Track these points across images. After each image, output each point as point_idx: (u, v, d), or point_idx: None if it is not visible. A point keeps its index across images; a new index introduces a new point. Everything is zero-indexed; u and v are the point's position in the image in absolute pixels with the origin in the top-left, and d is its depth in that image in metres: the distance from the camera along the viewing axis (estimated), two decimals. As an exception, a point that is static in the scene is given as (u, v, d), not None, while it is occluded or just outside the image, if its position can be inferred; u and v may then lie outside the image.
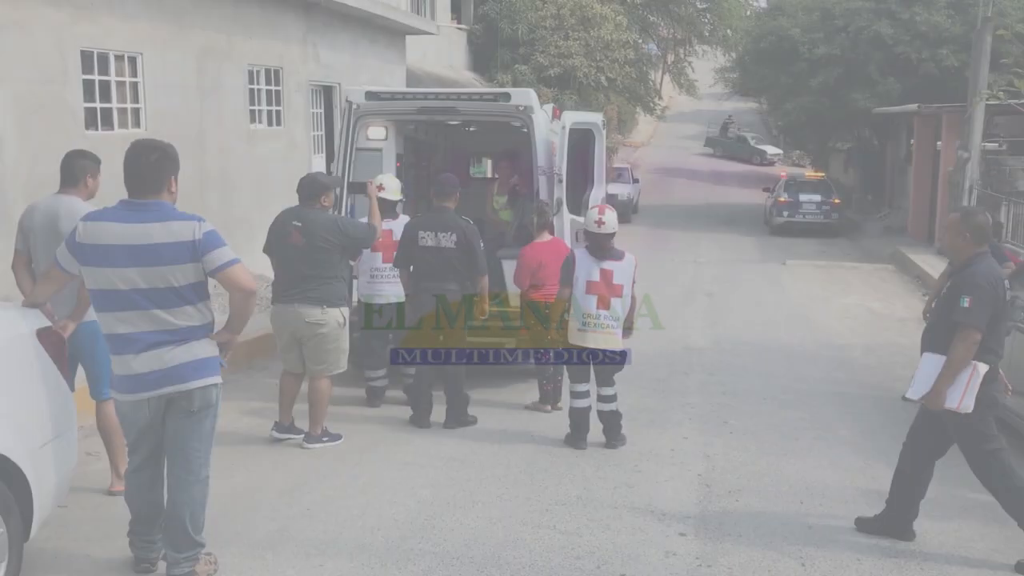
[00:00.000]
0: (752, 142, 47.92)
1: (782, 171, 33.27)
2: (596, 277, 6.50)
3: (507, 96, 8.25)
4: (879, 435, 7.53)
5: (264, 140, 12.75)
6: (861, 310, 14.55)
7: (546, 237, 7.68)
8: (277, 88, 13.25)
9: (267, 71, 12.92)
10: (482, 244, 7.39)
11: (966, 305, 4.81)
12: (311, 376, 6.70)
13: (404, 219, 7.81)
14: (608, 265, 6.53)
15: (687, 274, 18.20)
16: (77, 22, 9.09)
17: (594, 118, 9.03)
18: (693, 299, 15.28)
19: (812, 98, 26.53)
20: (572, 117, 8.45)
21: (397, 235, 7.51)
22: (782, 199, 25.21)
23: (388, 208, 7.64)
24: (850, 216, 27.54)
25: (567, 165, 8.26)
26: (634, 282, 6.68)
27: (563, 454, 6.78)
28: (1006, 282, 5.00)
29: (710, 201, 34.00)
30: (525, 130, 8.31)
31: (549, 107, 8.85)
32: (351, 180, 8.17)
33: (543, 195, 8.26)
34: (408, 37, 19.03)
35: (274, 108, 13.17)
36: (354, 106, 8.47)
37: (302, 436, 6.74)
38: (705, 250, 22.23)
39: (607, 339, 6.59)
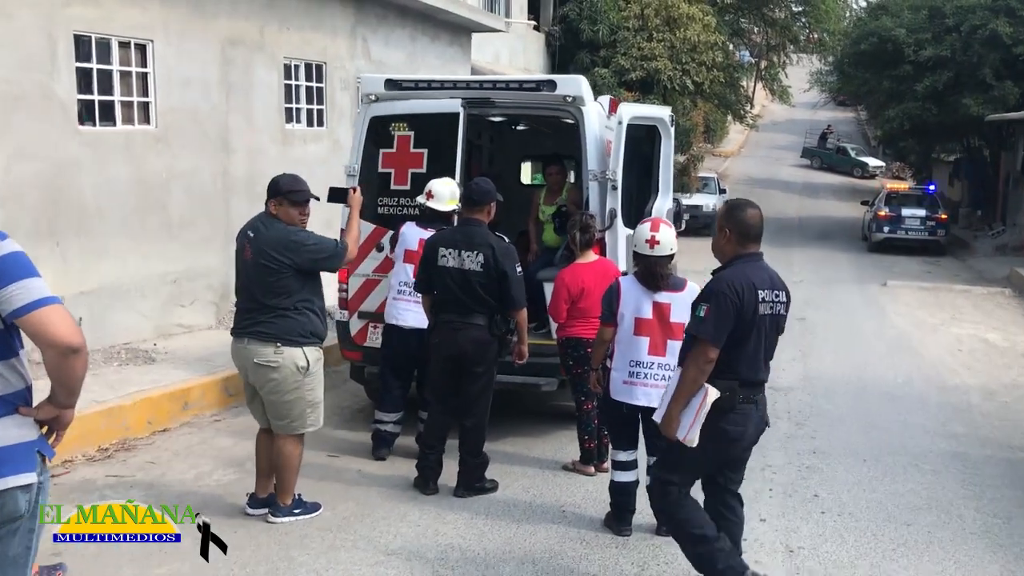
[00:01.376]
0: (853, 153, 45.23)
1: (886, 183, 30.94)
2: (647, 313, 5.01)
3: (552, 84, 6.81)
4: (1018, 521, 5.84)
5: (302, 141, 11.56)
6: (975, 342, 12.68)
7: (591, 257, 6.22)
8: (319, 85, 12.05)
9: (307, 66, 11.74)
10: (520, 269, 5.93)
11: (702, 315, 4.14)
12: (275, 434, 5.35)
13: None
14: (664, 298, 5.03)
15: (775, 295, 16.40)
16: (70, 3, 7.99)
17: (660, 113, 7.50)
18: (781, 325, 13.54)
19: (917, 104, 24.34)
20: (632, 111, 6.96)
21: None
22: (883, 213, 23.15)
23: (440, 221, 6.49)
24: (957, 233, 25.23)
25: (625, 169, 6.79)
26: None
27: (600, 543, 5.29)
28: (770, 292, 4.16)
29: (803, 214, 31.94)
30: (575, 125, 6.89)
31: (606, 99, 7.39)
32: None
33: (593, 206, 6.80)
34: (477, 36, 17.73)
35: (315, 107, 11.98)
36: (371, 98, 7.16)
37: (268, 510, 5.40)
38: (797, 267, 20.37)
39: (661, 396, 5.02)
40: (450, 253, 5.70)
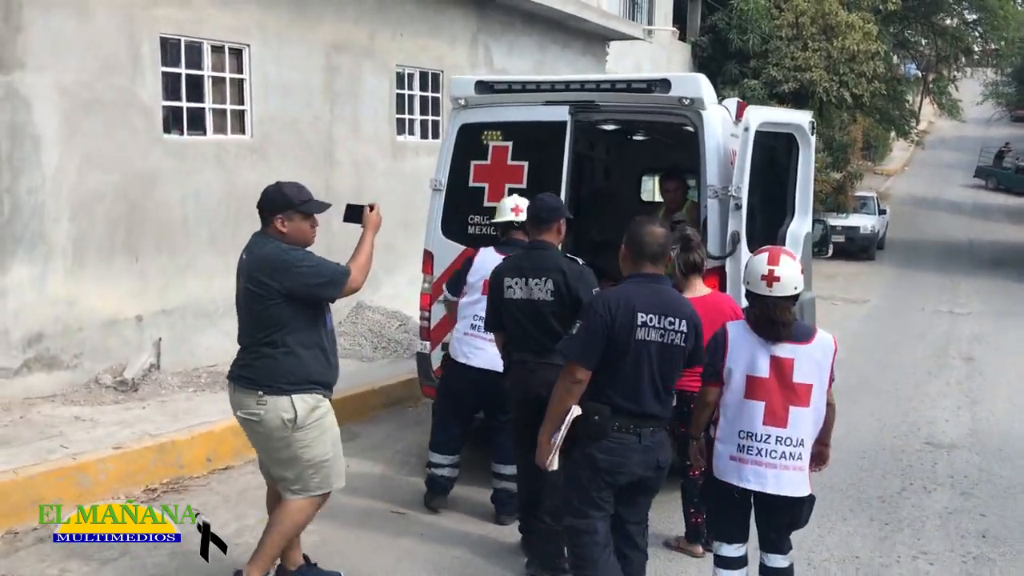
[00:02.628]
0: None
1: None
2: (763, 371, 3.89)
3: (665, 84, 5.79)
4: None
5: (415, 154, 10.89)
6: None
7: (699, 289, 5.12)
8: (435, 95, 11.37)
9: (422, 75, 11.08)
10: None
11: (573, 332, 3.94)
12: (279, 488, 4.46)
13: None
14: (785, 351, 3.89)
15: (939, 328, 14.71)
16: (156, 4, 7.53)
17: (797, 118, 6.33)
18: (945, 364, 11.95)
19: (1111, 117, 21.70)
20: (762, 115, 5.86)
21: None
22: (1067, 239, 20.67)
23: (517, 245, 5.47)
24: None
25: (754, 184, 5.71)
26: (832, 380, 4.01)
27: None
28: (658, 317, 3.88)
29: (972, 238, 29.35)
30: (693, 132, 5.86)
31: (733, 102, 6.31)
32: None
33: (713, 228, 5.74)
34: (616, 45, 16.78)
35: (430, 118, 11.30)
36: (461, 103, 6.33)
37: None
38: (964, 298, 18.41)
39: (781, 478, 3.91)
40: (516, 283, 4.78)
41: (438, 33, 11.20)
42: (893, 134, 37.07)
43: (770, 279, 3.84)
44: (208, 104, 8.26)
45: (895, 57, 30.51)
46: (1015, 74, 29.32)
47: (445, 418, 5.80)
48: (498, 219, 5.68)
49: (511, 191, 6.20)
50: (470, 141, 6.33)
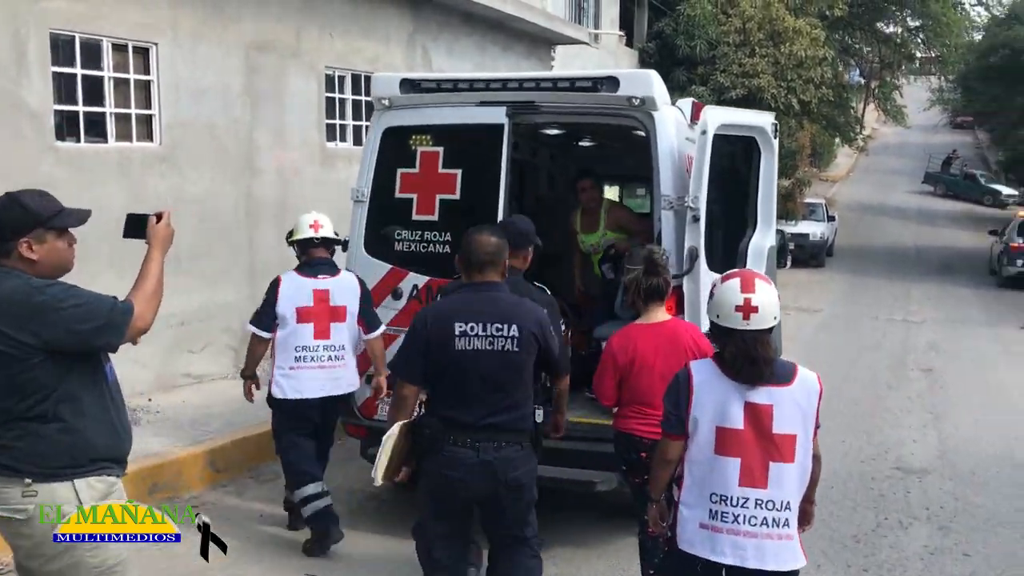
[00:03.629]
0: (983, 180, 41.60)
1: (1019, 211, 27.99)
2: (737, 421, 3.19)
3: (613, 83, 5.15)
4: None
5: (347, 162, 10.13)
6: None
7: (658, 315, 4.48)
8: (369, 99, 10.61)
9: (355, 77, 10.35)
10: (562, 324, 4.58)
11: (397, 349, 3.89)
12: None
13: (349, 275, 5.43)
14: (761, 396, 3.20)
15: (895, 338, 14.36)
16: (44, -5, 6.73)
17: (759, 120, 5.72)
18: (904, 376, 11.55)
19: (1056, 123, 21.72)
20: (721, 117, 5.24)
21: (336, 298, 5.27)
22: (1016, 245, 20.60)
23: (328, 266, 5.35)
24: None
25: (712, 194, 5.10)
26: (817, 427, 3.35)
27: None
28: (481, 324, 3.71)
29: (919, 244, 29.33)
30: (644, 136, 5.24)
31: (687, 103, 5.72)
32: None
33: (667, 242, 5.11)
34: (562, 50, 16.19)
35: (364, 123, 10.56)
36: (384, 103, 5.64)
37: None
38: (916, 305, 18.18)
39: (764, 550, 3.20)
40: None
41: (371, 33, 10.49)
42: (838, 140, 37.10)
43: (747, 310, 3.18)
44: (109, 108, 7.45)
45: (840, 64, 30.43)
46: (960, 80, 29.31)
47: (294, 455, 5.36)
48: (296, 237, 5.36)
49: (444, 203, 5.54)
50: (396, 146, 5.64)
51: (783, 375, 3.23)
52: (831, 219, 25.90)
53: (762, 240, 5.64)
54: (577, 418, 5.40)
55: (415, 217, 5.56)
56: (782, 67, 24.17)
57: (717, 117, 5.14)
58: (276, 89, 9.10)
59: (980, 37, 29.84)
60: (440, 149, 5.52)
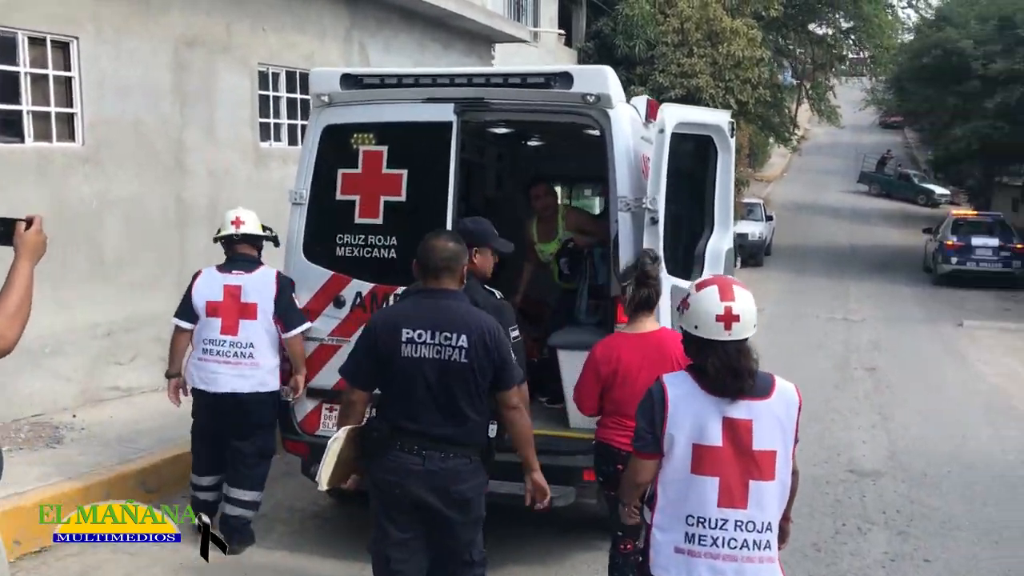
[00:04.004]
0: (916, 180, 42.39)
1: (951, 210, 28.53)
2: (715, 438, 2.95)
3: (567, 79, 4.90)
4: None
5: (282, 163, 9.74)
6: (1089, 401, 10.61)
7: (647, 325, 4.25)
8: (305, 97, 10.23)
9: (289, 74, 9.96)
10: (517, 333, 4.32)
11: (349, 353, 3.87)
12: None
13: (267, 271, 5.30)
14: (740, 411, 2.97)
15: (837, 337, 14.41)
16: (-49, -17, 6.26)
17: (716, 118, 5.52)
18: (850, 376, 11.56)
19: (986, 122, 22.17)
20: (678, 115, 5.03)
21: (248, 295, 5.19)
22: (950, 243, 20.94)
23: (247, 262, 5.33)
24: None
25: (668, 194, 4.88)
26: (795, 441, 3.13)
27: None
28: (430, 333, 3.59)
29: (855, 242, 29.73)
30: (599, 135, 5.01)
31: (642, 100, 5.51)
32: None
33: (625, 247, 4.88)
34: (500, 47, 15.94)
35: (299, 122, 10.17)
36: (324, 100, 5.32)
37: None
38: (856, 303, 18.34)
39: (745, 573, 2.98)
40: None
41: (306, 28, 10.11)
42: (772, 141, 37.51)
43: (728, 319, 2.95)
44: (26, 106, 6.98)
45: (775, 64, 30.75)
46: (893, 81, 29.79)
47: (198, 443, 5.46)
48: (219, 233, 5.40)
49: (388, 205, 5.24)
50: (337, 146, 5.32)
51: (762, 388, 3.01)
52: (769, 219, 26.11)
53: (720, 242, 5.45)
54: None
55: (358, 220, 5.24)
56: (720, 67, 24.28)
57: (675, 115, 4.92)
58: (207, 86, 8.68)
59: (910, 38, 30.35)
60: (384, 148, 5.21)
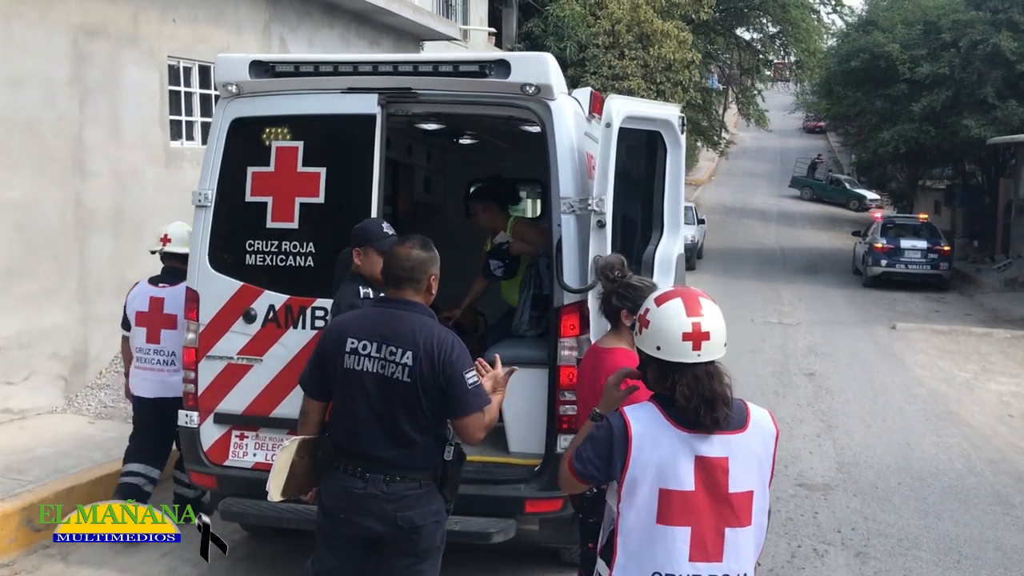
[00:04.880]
0: (848, 185, 42.82)
1: (874, 213, 28.82)
2: (687, 482, 2.49)
3: (503, 67, 4.42)
4: None
5: (194, 163, 9.04)
6: (1022, 401, 10.51)
7: (618, 338, 3.72)
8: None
9: (203, 68, 9.31)
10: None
11: None
12: None
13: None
14: (714, 448, 2.52)
15: (774, 341, 14.19)
16: None
17: (665, 112, 5.08)
18: (790, 382, 11.31)
19: (913, 126, 22.33)
20: (626, 108, 4.57)
21: (169, 307, 5.38)
22: (879, 245, 21.01)
23: (177, 276, 5.35)
24: (957, 266, 23.20)
25: (617, 194, 4.44)
26: (772, 475, 2.69)
27: None
28: (375, 344, 3.26)
29: (783, 244, 29.87)
30: (539, 131, 4.54)
31: (586, 92, 5.06)
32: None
33: (569, 253, 4.43)
34: (429, 45, 15.40)
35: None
36: (232, 90, 4.75)
37: None
38: (789, 307, 18.21)
39: None
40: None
41: (221, 20, 9.46)
42: (700, 144, 37.74)
43: (697, 337, 2.51)
44: None
45: (704, 68, 30.82)
46: (823, 84, 30.04)
47: (131, 439, 5.58)
48: (151, 247, 5.67)
49: (305, 207, 4.70)
50: (247, 141, 4.76)
51: (737, 419, 2.57)
52: (701, 222, 26.03)
53: (669, 247, 5.02)
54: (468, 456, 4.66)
55: (270, 224, 4.69)
56: (651, 70, 24.18)
57: (622, 108, 4.47)
58: (110, 80, 8.00)
59: (835, 43, 30.68)
60: (300, 144, 4.67)
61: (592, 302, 4.39)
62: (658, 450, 2.51)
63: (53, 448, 6.42)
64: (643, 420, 2.55)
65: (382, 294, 3.57)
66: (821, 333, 15.14)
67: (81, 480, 5.80)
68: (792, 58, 34.45)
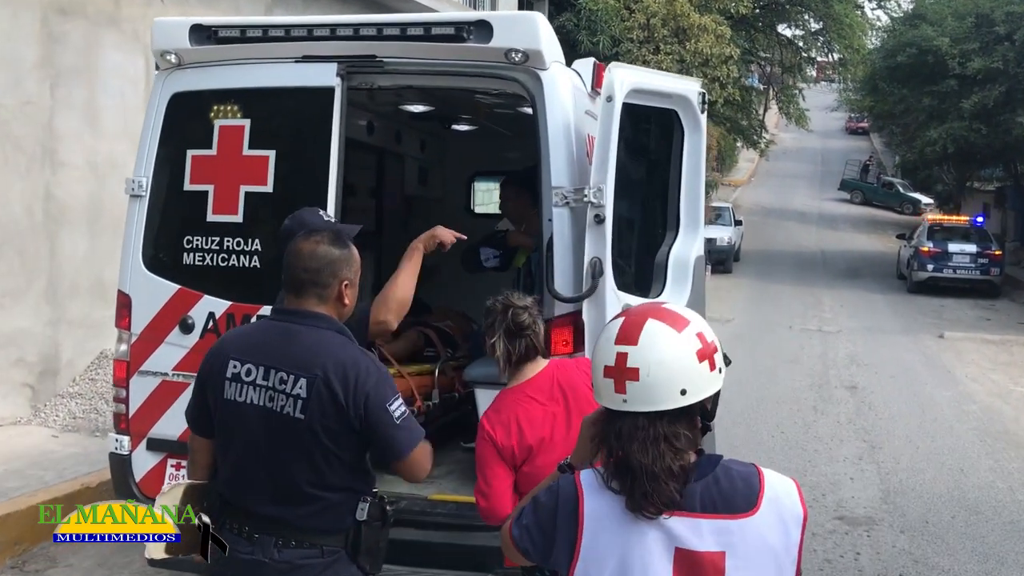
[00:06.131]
0: (901, 189, 41.28)
1: (926, 216, 27.65)
2: None
3: (484, 29, 3.67)
4: None
5: (186, 155, 8.44)
6: (1090, 421, 9.66)
7: (535, 366, 3.01)
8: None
9: (195, 53, 8.64)
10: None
11: None
12: None
13: None
14: (704, 539, 1.73)
15: (812, 351, 13.31)
16: None
17: (683, 87, 4.27)
18: (829, 396, 10.45)
19: (963, 124, 21.24)
20: (633, 80, 3.79)
21: None
22: (926, 249, 20.00)
23: None
24: (1008, 272, 22.06)
25: (619, 184, 3.67)
26: (799, 573, 1.90)
27: None
28: (260, 369, 2.52)
29: (824, 247, 28.86)
30: (529, 110, 3.80)
31: (588, 63, 4.30)
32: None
33: (561, 252, 3.67)
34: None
35: (209, 109, 8.88)
36: (171, 59, 4.05)
37: None
38: (830, 313, 17.30)
39: None
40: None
41: (217, 0, 8.80)
42: (740, 144, 36.74)
43: (619, 374, 1.75)
44: None
45: (742, 65, 29.87)
46: (867, 81, 28.89)
47: None
48: None
49: (251, 197, 3.98)
50: (187, 120, 4.07)
51: (741, 496, 1.78)
52: (738, 223, 25.15)
53: (686, 248, 4.23)
54: (437, 495, 3.93)
55: (211, 218, 3.98)
56: (687, 65, 23.29)
57: (627, 79, 3.70)
58: (86, 63, 7.39)
59: (880, 40, 29.53)
60: (246, 123, 3.96)
61: (587, 313, 3.63)
62: (621, 536, 1.74)
63: (22, 463, 5.82)
64: (599, 494, 1.78)
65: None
66: (863, 342, 14.25)
67: (20, 506, 5.14)
68: (835, 56, 33.35)
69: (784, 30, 34.11)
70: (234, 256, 3.94)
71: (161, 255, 4.05)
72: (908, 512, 6.57)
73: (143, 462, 4.09)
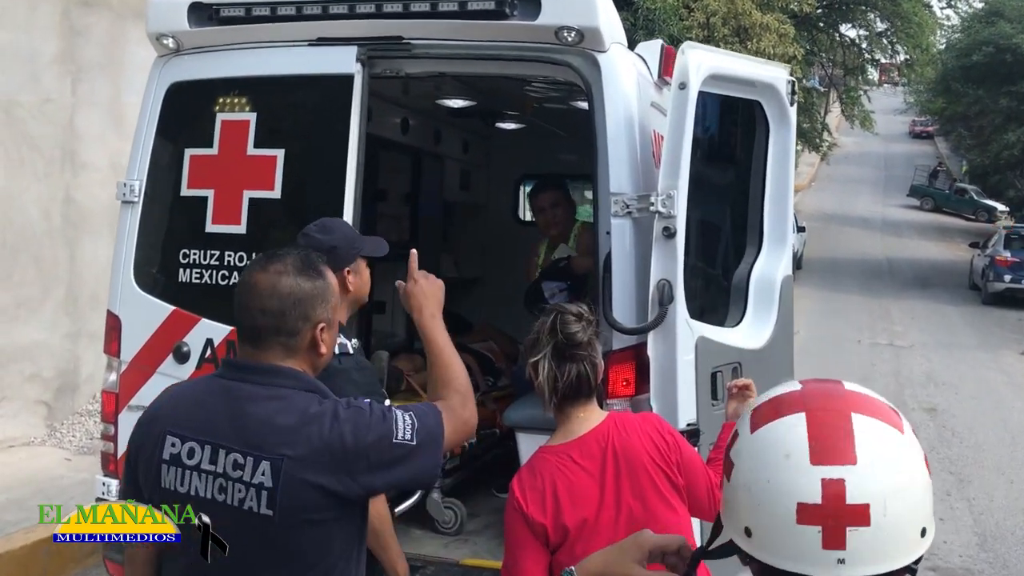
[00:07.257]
0: (975, 195, 39.65)
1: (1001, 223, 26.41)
2: None
3: (531, 3, 3.04)
4: None
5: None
6: None
7: (589, 419, 2.29)
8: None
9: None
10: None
11: None
12: None
13: None
14: None
15: (885, 367, 12.47)
16: None
17: (768, 74, 3.59)
18: (909, 422, 9.55)
19: (1045, 126, 20.14)
20: (710, 63, 3.13)
21: None
22: (1003, 258, 18.95)
23: None
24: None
25: (694, 189, 3.02)
26: None
27: None
28: (205, 448, 1.86)
29: (889, 255, 27.75)
30: (584, 104, 3.17)
31: (655, 46, 3.66)
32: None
33: (621, 271, 3.03)
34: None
35: (244, 108, 8.41)
36: (169, 44, 3.51)
37: None
38: (900, 326, 16.37)
39: None
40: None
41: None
42: (801, 147, 35.71)
43: (838, 518, 1.12)
44: None
45: (805, 66, 28.95)
46: (939, 82, 27.76)
47: None
48: None
49: (255, 204, 3.41)
50: (186, 114, 3.54)
51: None
52: (801, 230, 24.17)
53: (771, 266, 3.56)
54: (471, 559, 3.31)
55: (211, 228, 3.41)
56: (749, 65, 22.59)
57: (705, 62, 3.05)
58: (110, 58, 6.94)
59: (949, 39, 28.36)
60: (251, 117, 3.38)
61: (654, 347, 2.98)
62: None
63: (2, 495, 5.33)
64: None
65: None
66: (939, 358, 13.34)
67: (12, 545, 4.63)
68: (901, 57, 32.19)
69: (848, 31, 33.12)
70: (236, 273, 3.36)
71: (154, 271, 3.50)
72: (1010, 561, 5.84)
73: (133, 510, 3.53)
